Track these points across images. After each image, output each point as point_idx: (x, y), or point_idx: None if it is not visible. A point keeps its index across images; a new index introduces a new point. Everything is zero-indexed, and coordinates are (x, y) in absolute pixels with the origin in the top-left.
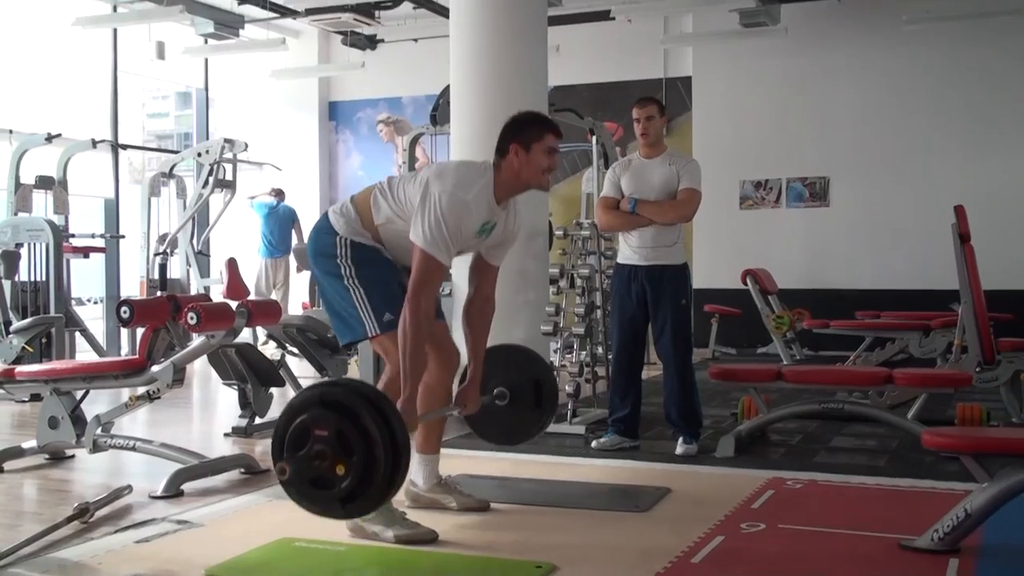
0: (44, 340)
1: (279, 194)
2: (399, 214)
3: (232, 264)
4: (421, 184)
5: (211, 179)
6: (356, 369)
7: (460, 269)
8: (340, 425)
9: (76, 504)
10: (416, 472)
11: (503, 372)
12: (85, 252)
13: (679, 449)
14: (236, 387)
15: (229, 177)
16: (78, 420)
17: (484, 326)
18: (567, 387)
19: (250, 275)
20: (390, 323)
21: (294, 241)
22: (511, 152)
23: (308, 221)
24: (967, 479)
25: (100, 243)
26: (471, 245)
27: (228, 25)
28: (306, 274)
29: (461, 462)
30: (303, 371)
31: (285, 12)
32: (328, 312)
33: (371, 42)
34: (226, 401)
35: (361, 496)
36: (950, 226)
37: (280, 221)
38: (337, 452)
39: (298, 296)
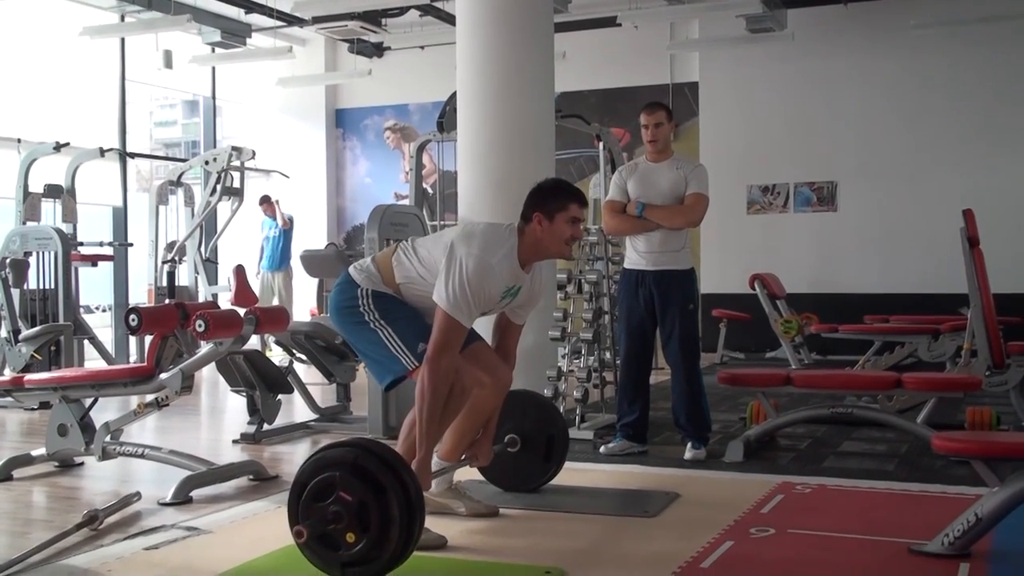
0: (53, 348)
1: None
2: (422, 274)
3: (240, 271)
4: (447, 246)
5: (219, 187)
6: (364, 374)
7: None
8: (365, 497)
9: (85, 511)
10: None
11: (519, 419)
12: (93, 260)
13: (688, 454)
14: (244, 394)
15: (236, 185)
16: (87, 427)
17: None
18: (575, 392)
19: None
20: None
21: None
22: (535, 221)
23: (317, 229)
24: (977, 483)
25: (108, 251)
26: (495, 307)
27: (235, 34)
28: (314, 281)
29: (469, 468)
30: (311, 378)
31: (292, 21)
32: (364, 361)
33: (378, 50)
34: (234, 408)
35: (363, 566)
36: (959, 230)
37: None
38: (353, 522)
39: (305, 303)
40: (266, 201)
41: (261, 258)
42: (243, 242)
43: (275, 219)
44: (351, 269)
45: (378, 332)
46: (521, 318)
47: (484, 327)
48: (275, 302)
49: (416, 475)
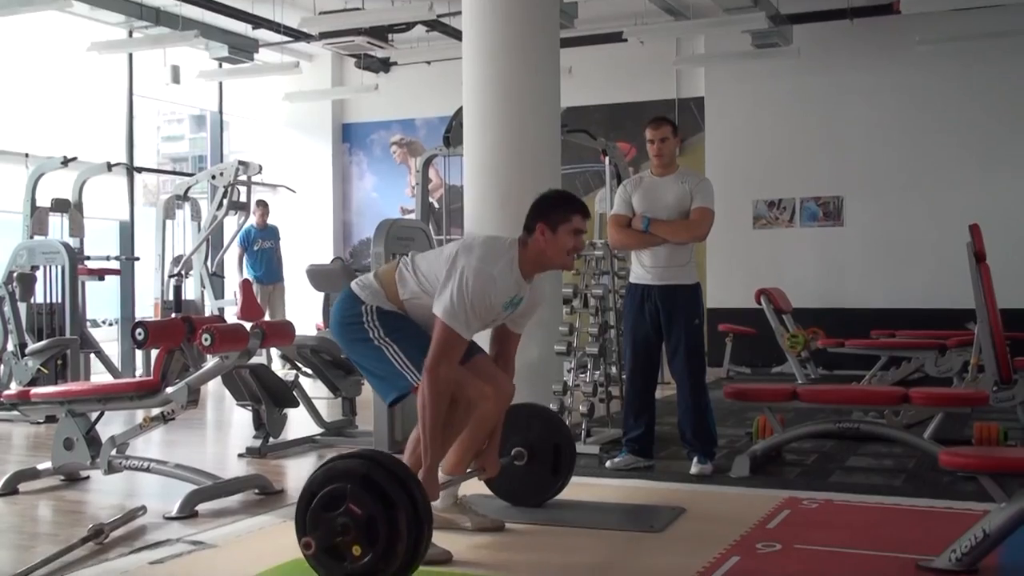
0: (59, 362)
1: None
2: (425, 290)
3: (246, 285)
4: (448, 259)
5: (225, 201)
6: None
7: None
8: (374, 511)
9: (91, 525)
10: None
11: (524, 432)
12: (100, 274)
13: (694, 469)
14: (250, 408)
15: (243, 199)
16: (93, 441)
17: None
18: (581, 407)
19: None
20: None
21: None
22: (537, 231)
23: (323, 243)
24: (985, 499)
25: (115, 265)
26: (497, 318)
27: (242, 49)
28: (316, 295)
29: (475, 482)
30: (317, 392)
31: (299, 36)
32: (366, 377)
33: (384, 65)
34: (240, 422)
35: None
36: (965, 245)
37: None
38: (361, 534)
39: (311, 317)
40: (263, 206)
41: (242, 268)
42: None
43: (263, 229)
44: (354, 285)
45: (383, 349)
46: (520, 327)
47: (483, 339)
48: (267, 316)
49: (423, 486)
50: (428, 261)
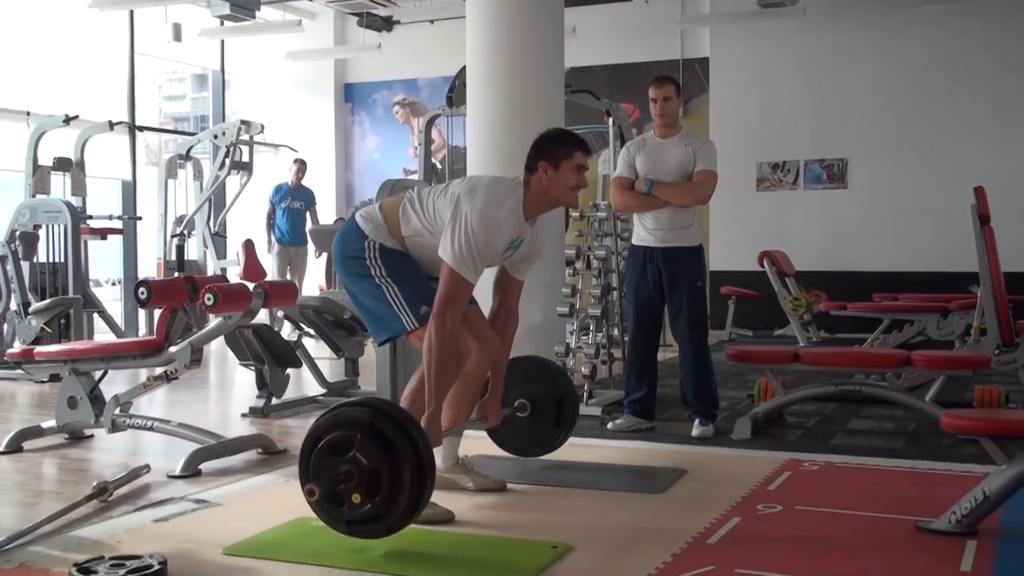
0: (63, 321)
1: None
2: (428, 227)
3: (249, 245)
4: (452, 199)
5: (228, 161)
6: (373, 349)
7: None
8: (378, 464)
9: (95, 483)
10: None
11: (526, 384)
12: (103, 234)
13: (695, 431)
14: (253, 368)
15: (246, 159)
16: (97, 400)
17: (507, 340)
18: (583, 368)
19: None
20: (427, 315)
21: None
22: (539, 170)
23: (325, 204)
24: (985, 461)
25: (118, 225)
26: (497, 260)
27: (244, 7)
28: (323, 257)
29: (478, 443)
30: (320, 352)
31: None
32: (361, 314)
33: (387, 23)
34: (243, 382)
35: (367, 526)
36: (970, 207)
37: None
38: (363, 484)
39: (314, 278)
40: (299, 164)
41: (272, 229)
42: (252, 216)
43: (297, 188)
44: (358, 217)
45: (382, 288)
46: (522, 273)
47: (484, 297)
48: (288, 276)
49: (426, 432)
50: (433, 199)
